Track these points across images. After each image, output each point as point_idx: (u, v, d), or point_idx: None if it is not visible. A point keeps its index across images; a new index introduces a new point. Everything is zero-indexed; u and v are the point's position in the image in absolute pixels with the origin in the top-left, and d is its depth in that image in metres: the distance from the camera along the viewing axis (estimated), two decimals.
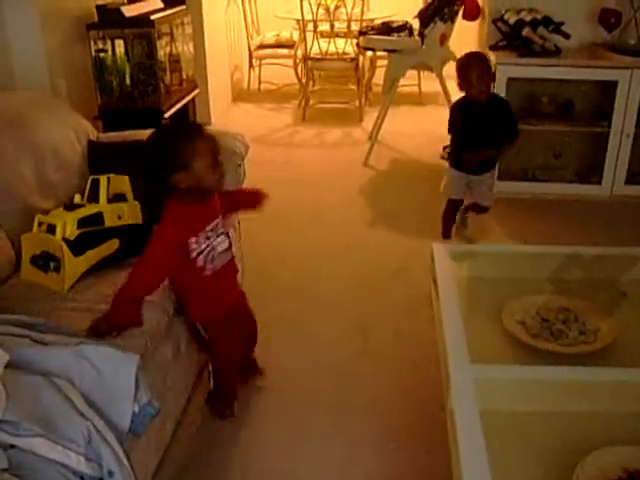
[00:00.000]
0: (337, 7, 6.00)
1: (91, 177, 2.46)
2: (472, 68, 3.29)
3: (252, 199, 2.40)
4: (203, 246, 2.11)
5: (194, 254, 2.10)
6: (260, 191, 2.39)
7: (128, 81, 3.92)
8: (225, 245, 2.21)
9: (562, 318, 2.17)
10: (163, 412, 2.01)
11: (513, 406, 1.75)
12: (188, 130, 2.13)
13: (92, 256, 2.25)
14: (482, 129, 3.33)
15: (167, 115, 3.87)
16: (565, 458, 1.61)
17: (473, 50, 3.63)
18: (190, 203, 2.08)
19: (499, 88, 4.05)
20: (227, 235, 2.24)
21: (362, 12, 5.77)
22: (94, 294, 2.14)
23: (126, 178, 2.48)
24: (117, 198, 2.43)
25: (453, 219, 3.63)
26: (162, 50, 3.98)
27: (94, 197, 2.39)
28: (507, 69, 4.05)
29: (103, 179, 2.42)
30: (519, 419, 1.74)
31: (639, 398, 1.81)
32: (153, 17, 3.83)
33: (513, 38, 4.19)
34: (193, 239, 2.08)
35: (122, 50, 3.87)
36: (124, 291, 2.01)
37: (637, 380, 1.83)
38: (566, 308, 2.23)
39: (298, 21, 5.94)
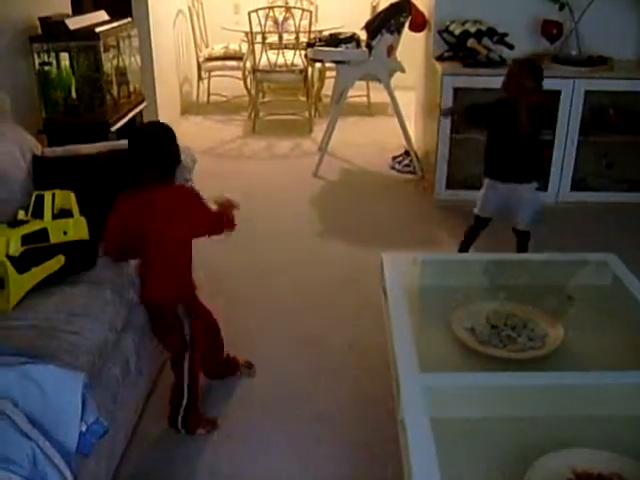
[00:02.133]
0: (285, 19, 6.02)
1: (35, 193, 2.41)
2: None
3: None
4: None
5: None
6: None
7: (74, 94, 3.86)
8: None
9: (511, 324, 2.20)
10: (112, 431, 1.98)
11: (463, 413, 1.77)
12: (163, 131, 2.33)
13: (37, 273, 2.21)
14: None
15: (114, 129, 3.82)
16: (516, 463, 1.63)
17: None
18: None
19: (445, 98, 4.10)
20: None
21: (310, 24, 5.79)
22: (40, 312, 2.09)
23: (71, 194, 2.44)
24: (63, 214, 2.39)
25: (473, 238, 3.38)
26: (108, 63, 3.93)
27: (38, 213, 2.35)
28: (453, 79, 4.11)
29: (48, 195, 2.38)
30: (470, 426, 1.75)
31: (587, 401, 1.84)
32: (98, 30, 3.77)
33: (458, 49, 4.25)
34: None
35: (67, 63, 3.81)
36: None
37: (585, 383, 1.86)
38: (515, 314, 2.26)
39: (247, 33, 5.93)
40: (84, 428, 1.61)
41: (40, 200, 2.37)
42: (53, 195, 2.39)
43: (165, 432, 2.39)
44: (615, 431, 1.78)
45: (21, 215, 2.37)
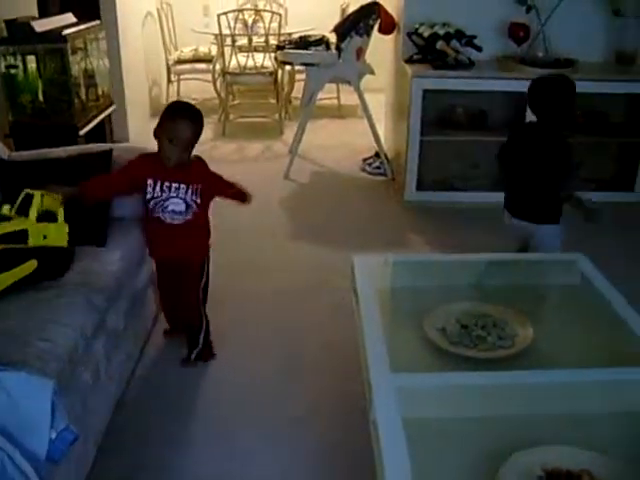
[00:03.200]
0: (255, 21, 6.01)
1: (25, 191, 2.34)
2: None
3: (239, 196, 2.75)
4: (157, 193, 2.55)
5: (148, 195, 2.56)
6: (247, 193, 2.75)
7: (41, 97, 3.82)
8: (179, 208, 2.56)
9: (481, 324, 2.22)
10: (83, 437, 1.96)
11: (435, 413, 1.77)
12: (171, 110, 2.63)
13: (6, 278, 2.17)
14: None
15: (82, 132, 3.79)
16: (488, 462, 1.64)
17: None
18: (159, 160, 2.53)
19: (415, 100, 4.12)
20: (186, 204, 2.56)
21: (280, 26, 5.79)
22: (9, 318, 2.06)
23: (59, 197, 2.39)
24: (47, 216, 2.34)
25: None
26: (76, 66, 3.90)
27: (24, 211, 2.30)
28: (422, 81, 4.14)
29: (37, 195, 2.32)
30: (441, 426, 1.76)
31: (557, 399, 1.86)
32: (65, 32, 3.74)
33: (427, 51, 4.28)
34: (150, 180, 2.54)
35: (34, 66, 3.77)
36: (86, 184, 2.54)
37: (554, 381, 1.87)
38: (485, 314, 2.28)
39: (216, 36, 5.92)
40: (54, 435, 1.59)
41: (28, 199, 2.31)
42: (42, 196, 2.33)
43: (137, 437, 2.38)
44: (584, 428, 1.80)
45: (5, 210, 2.31)
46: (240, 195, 2.75)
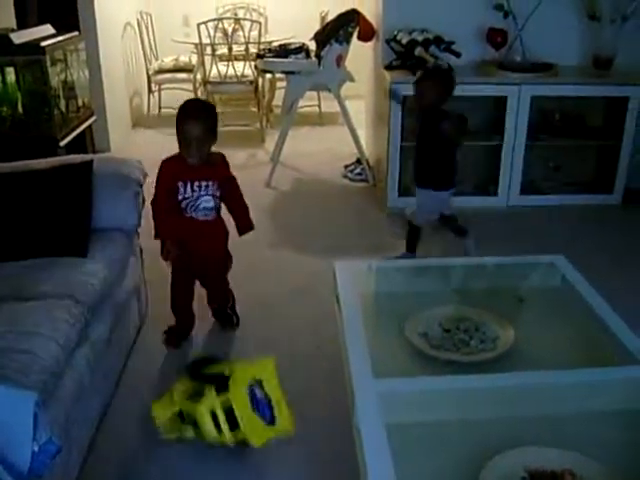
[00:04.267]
0: (235, 30, 6.02)
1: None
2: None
3: (241, 224, 2.88)
4: (188, 194, 2.70)
5: (180, 197, 2.70)
6: (249, 225, 2.91)
7: (20, 110, 3.81)
8: (210, 204, 2.74)
9: (463, 328, 2.24)
10: (67, 448, 1.96)
11: (417, 417, 1.78)
12: (180, 111, 2.69)
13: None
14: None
15: (62, 144, 3.78)
16: (471, 464, 1.65)
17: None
18: (183, 160, 2.69)
19: (394, 107, 4.14)
20: (214, 199, 2.74)
21: (260, 35, 5.81)
22: None
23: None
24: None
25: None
26: (55, 77, 3.90)
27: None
28: (401, 88, 4.15)
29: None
30: (424, 430, 1.77)
31: (539, 400, 1.88)
32: (44, 44, 3.74)
33: (406, 57, 4.30)
34: (180, 183, 2.68)
35: (12, 78, 3.76)
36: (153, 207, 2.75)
37: (536, 383, 1.89)
38: (467, 318, 2.30)
39: (196, 45, 5.92)
40: (36, 448, 1.58)
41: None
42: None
43: (122, 449, 2.36)
44: (566, 428, 1.82)
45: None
46: (244, 220, 2.88)
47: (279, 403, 2.22)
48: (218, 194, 2.76)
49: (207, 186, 2.72)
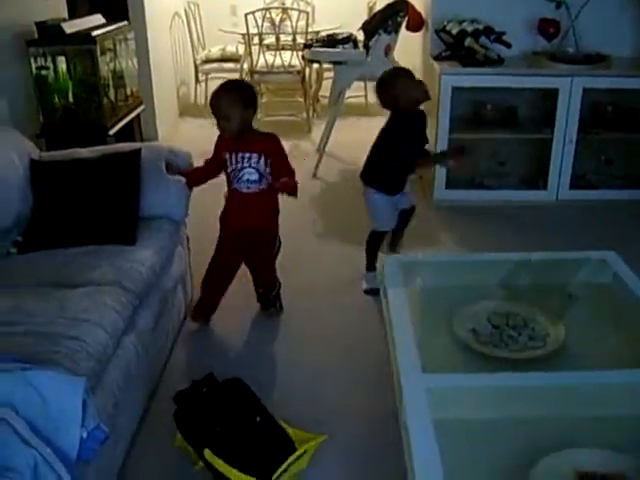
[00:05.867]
0: (282, 20, 6.00)
1: None
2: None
3: (289, 188, 2.84)
4: (234, 165, 2.80)
5: (228, 169, 2.83)
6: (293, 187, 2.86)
7: (71, 98, 3.86)
8: (253, 177, 2.80)
9: (512, 324, 2.21)
10: (114, 436, 1.97)
11: (465, 414, 1.76)
12: (215, 90, 2.82)
13: None
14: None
15: (112, 132, 3.81)
16: (519, 464, 1.63)
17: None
18: (224, 136, 2.83)
19: (444, 98, 4.10)
20: (260, 173, 2.80)
21: (307, 25, 5.78)
22: (39, 316, 2.08)
23: None
24: None
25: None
26: (105, 66, 3.93)
27: None
28: (451, 79, 4.11)
29: None
30: (472, 427, 1.74)
31: (589, 401, 1.84)
32: (94, 33, 3.77)
33: (456, 48, 4.24)
34: (227, 154, 2.81)
35: (64, 67, 3.81)
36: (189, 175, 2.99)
37: (587, 383, 1.85)
38: (516, 314, 2.26)
39: (243, 35, 5.92)
40: (85, 434, 1.60)
41: None
42: None
43: (165, 439, 2.36)
44: (617, 430, 1.78)
45: None
46: (290, 187, 2.84)
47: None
48: (264, 169, 2.80)
49: (250, 158, 2.79)
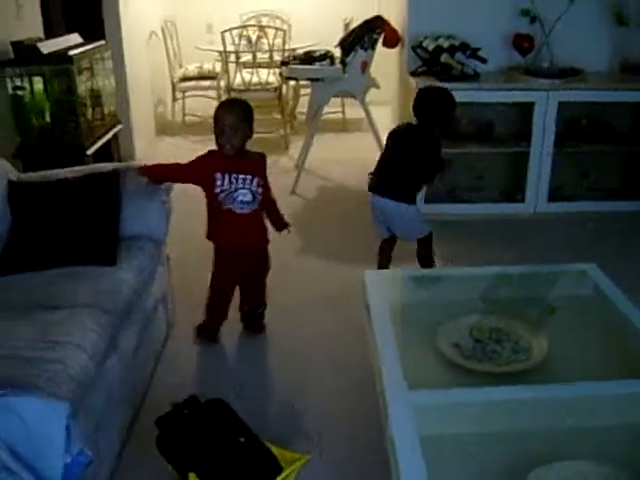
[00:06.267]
0: (259, 38, 6.03)
1: None
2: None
3: (278, 223, 3.06)
4: (226, 186, 2.76)
5: (217, 189, 2.76)
6: (285, 224, 3.09)
7: (48, 118, 3.84)
8: (247, 198, 2.79)
9: (495, 338, 2.21)
10: (97, 459, 1.95)
11: (452, 429, 1.76)
12: (222, 102, 3.00)
13: None
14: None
15: (89, 152, 3.79)
16: (508, 478, 1.63)
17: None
18: (220, 152, 2.79)
19: None
20: (253, 194, 2.80)
21: (284, 42, 5.81)
22: (19, 340, 2.05)
23: None
24: None
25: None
26: (82, 86, 3.91)
27: None
28: None
29: None
30: (459, 442, 1.74)
31: (575, 413, 1.84)
32: (72, 53, 3.76)
33: (432, 64, 4.28)
34: (219, 174, 2.75)
35: (41, 87, 3.79)
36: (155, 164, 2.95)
37: (572, 395, 1.86)
38: (499, 328, 2.27)
39: (220, 53, 5.94)
40: (69, 460, 1.58)
41: None
42: None
43: (151, 460, 2.34)
44: (604, 442, 1.78)
45: None
46: (279, 223, 3.05)
47: None
48: (258, 190, 2.81)
49: (245, 179, 2.78)
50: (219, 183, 2.77)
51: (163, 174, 2.91)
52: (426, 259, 3.39)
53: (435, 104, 3.27)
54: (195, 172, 2.83)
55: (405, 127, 3.38)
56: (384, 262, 3.44)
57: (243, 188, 2.78)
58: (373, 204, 3.35)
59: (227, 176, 2.76)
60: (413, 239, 3.38)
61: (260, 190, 2.82)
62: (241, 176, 2.77)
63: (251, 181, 2.79)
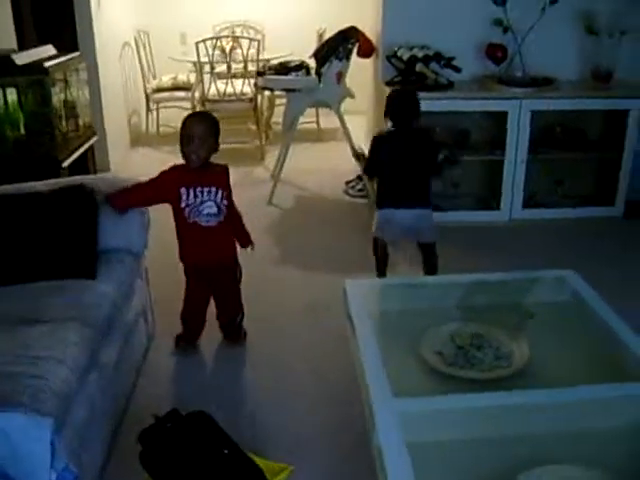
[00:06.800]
0: (233, 48, 6.03)
1: None
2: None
3: (243, 239, 3.06)
4: (191, 200, 2.77)
5: (183, 204, 2.77)
6: (249, 242, 3.08)
7: (22, 130, 3.79)
8: (212, 210, 2.79)
9: (477, 344, 2.23)
10: (80, 473, 1.92)
11: (438, 436, 1.77)
12: (189, 115, 3.00)
13: None
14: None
15: (65, 164, 3.76)
16: None
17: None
18: (187, 166, 2.80)
19: None
20: (218, 206, 2.80)
21: (258, 52, 5.82)
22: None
23: None
24: None
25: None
26: (57, 97, 3.88)
27: None
28: None
29: None
30: (445, 449, 1.75)
31: (557, 417, 1.86)
32: (47, 64, 3.73)
33: (407, 74, 4.31)
34: (183, 189, 2.76)
35: (15, 98, 3.75)
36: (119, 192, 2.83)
37: (556, 401, 1.88)
38: (480, 334, 2.29)
39: (194, 63, 5.93)
40: (54, 476, 1.56)
41: None
42: None
43: (134, 473, 2.32)
44: (586, 446, 1.80)
45: None
46: (243, 238, 3.05)
47: None
48: (223, 202, 2.82)
49: (209, 192, 2.79)
50: (184, 197, 2.77)
51: (131, 200, 2.85)
52: (436, 262, 3.41)
53: (409, 103, 3.35)
54: (161, 190, 2.82)
55: (392, 135, 3.35)
56: (384, 267, 3.47)
57: (209, 200, 2.79)
58: (397, 220, 3.32)
59: (192, 190, 2.77)
60: (437, 238, 3.42)
61: (225, 202, 2.83)
62: (205, 189, 2.78)
63: (215, 193, 2.79)
